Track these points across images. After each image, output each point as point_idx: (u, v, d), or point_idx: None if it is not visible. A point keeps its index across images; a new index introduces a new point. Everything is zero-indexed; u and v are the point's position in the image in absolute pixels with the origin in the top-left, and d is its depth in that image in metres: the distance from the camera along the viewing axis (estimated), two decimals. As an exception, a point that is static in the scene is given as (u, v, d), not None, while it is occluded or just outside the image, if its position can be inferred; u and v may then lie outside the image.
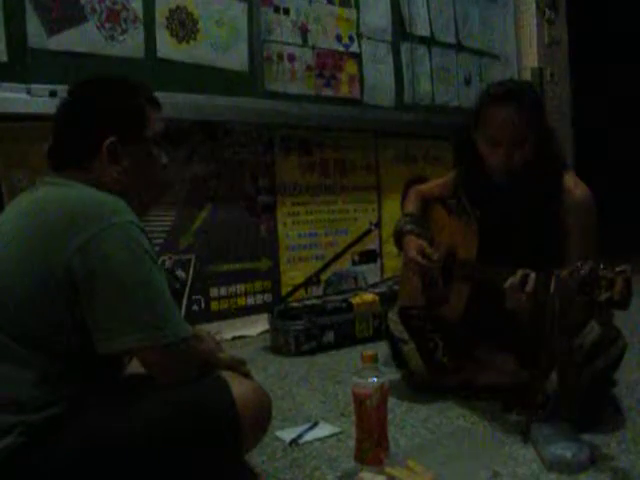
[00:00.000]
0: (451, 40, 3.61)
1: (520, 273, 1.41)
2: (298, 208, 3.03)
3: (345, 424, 1.59)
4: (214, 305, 2.72)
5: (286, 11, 2.88)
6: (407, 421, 1.62)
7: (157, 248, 2.51)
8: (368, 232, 3.30)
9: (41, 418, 1.01)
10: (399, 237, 1.87)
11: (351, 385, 1.28)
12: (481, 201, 1.72)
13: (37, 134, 2.11)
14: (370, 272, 3.28)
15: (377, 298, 2.63)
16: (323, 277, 3.10)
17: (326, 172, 3.13)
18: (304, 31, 2.95)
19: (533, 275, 1.39)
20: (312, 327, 2.43)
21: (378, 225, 3.34)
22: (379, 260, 3.34)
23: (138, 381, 1.16)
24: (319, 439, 1.52)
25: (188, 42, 2.57)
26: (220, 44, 2.66)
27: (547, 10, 3.95)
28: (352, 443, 1.33)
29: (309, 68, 2.97)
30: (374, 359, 1.28)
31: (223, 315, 2.74)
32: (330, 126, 3.09)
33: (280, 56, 2.86)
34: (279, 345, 2.45)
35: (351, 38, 3.13)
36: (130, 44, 2.40)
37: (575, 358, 1.42)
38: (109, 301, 1.03)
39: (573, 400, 1.43)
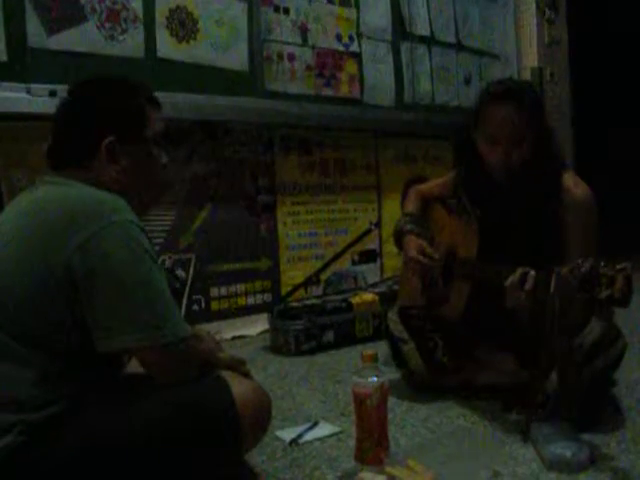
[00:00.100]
0: (451, 40, 3.61)
1: (520, 271, 1.41)
2: (298, 208, 3.03)
3: (345, 424, 1.58)
4: (214, 305, 2.72)
5: (286, 11, 2.88)
6: (407, 421, 1.62)
7: (157, 248, 2.51)
8: (368, 232, 3.30)
9: (41, 417, 1.01)
10: (399, 237, 1.87)
11: (351, 385, 1.28)
12: (481, 200, 1.72)
13: (37, 134, 2.10)
14: (370, 272, 3.28)
15: (377, 298, 2.63)
16: (323, 277, 3.10)
17: (326, 172, 3.13)
18: (304, 31, 2.94)
19: (533, 273, 1.39)
20: (312, 327, 2.43)
21: (378, 225, 3.34)
22: (379, 260, 3.34)
23: (138, 380, 1.16)
24: (319, 439, 1.52)
25: (188, 42, 2.57)
26: (220, 44, 2.66)
27: (547, 10, 3.95)
28: (352, 443, 1.32)
29: (309, 68, 2.97)
30: (374, 359, 1.27)
31: (223, 315, 2.74)
32: (330, 126, 3.09)
33: (280, 56, 2.86)
34: (279, 345, 2.45)
35: (351, 38, 3.13)
36: (130, 44, 2.40)
37: (575, 358, 1.42)
38: (109, 300, 1.03)
39: (573, 400, 1.43)
